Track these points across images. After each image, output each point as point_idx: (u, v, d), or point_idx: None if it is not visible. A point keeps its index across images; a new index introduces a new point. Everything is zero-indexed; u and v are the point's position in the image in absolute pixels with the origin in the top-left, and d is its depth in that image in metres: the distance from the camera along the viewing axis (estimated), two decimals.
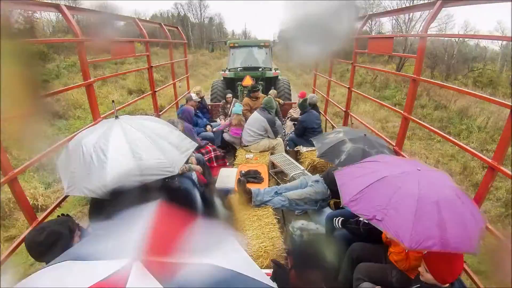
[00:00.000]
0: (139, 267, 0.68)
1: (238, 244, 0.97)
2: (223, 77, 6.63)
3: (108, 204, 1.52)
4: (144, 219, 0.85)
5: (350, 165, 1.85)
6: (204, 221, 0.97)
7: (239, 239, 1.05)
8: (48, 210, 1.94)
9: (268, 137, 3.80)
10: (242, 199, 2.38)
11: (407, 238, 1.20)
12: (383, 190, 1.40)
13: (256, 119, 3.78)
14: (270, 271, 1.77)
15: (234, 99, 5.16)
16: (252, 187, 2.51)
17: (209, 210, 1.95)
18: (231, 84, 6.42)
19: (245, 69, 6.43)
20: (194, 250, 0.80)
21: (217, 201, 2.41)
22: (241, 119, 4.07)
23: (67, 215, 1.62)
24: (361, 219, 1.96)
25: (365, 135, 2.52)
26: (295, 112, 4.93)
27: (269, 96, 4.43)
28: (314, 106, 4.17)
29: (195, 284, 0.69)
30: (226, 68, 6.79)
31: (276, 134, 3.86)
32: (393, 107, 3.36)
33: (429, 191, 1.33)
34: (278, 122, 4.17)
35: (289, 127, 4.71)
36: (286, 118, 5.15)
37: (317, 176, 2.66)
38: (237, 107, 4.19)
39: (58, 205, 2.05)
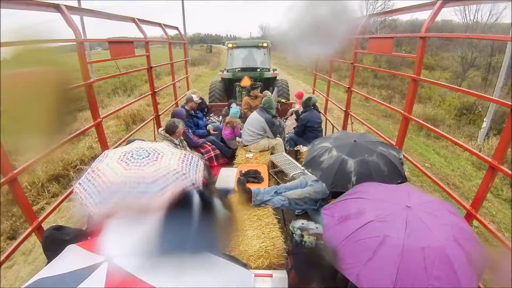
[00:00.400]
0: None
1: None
2: (221, 78, 6.63)
3: None
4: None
5: (337, 201, 1.69)
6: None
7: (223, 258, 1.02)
8: (49, 211, 1.94)
9: (268, 137, 3.80)
10: (242, 199, 2.38)
11: None
12: (367, 240, 1.24)
13: (255, 119, 3.78)
14: (271, 272, 1.77)
15: (231, 100, 5.15)
16: (252, 187, 2.51)
17: (208, 211, 1.94)
18: (229, 84, 6.42)
19: (243, 69, 6.43)
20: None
21: (217, 202, 2.40)
22: (234, 121, 3.96)
23: None
24: None
25: (354, 141, 2.26)
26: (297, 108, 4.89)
27: (269, 96, 4.42)
28: (314, 106, 4.17)
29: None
30: (224, 69, 6.79)
31: (275, 134, 3.85)
32: (393, 107, 3.36)
33: (418, 239, 1.17)
34: (278, 123, 4.15)
35: (288, 127, 4.71)
36: (288, 115, 5.12)
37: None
38: (233, 111, 4.06)
39: (58, 205, 2.05)
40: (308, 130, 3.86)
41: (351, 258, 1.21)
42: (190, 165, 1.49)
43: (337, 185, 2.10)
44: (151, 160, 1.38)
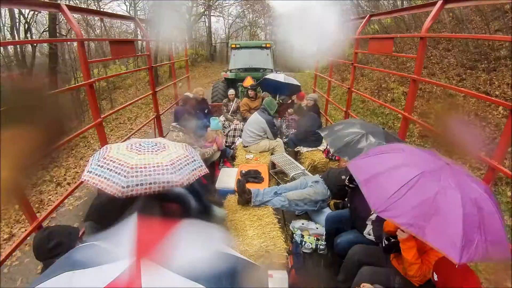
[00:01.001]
0: (145, 262, 0.71)
1: (229, 248, 0.97)
2: (224, 78, 6.67)
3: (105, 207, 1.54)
4: (130, 224, 0.88)
5: (363, 156, 1.52)
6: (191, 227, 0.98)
7: (230, 244, 1.07)
8: (49, 210, 1.94)
9: (268, 138, 3.80)
10: (242, 200, 2.38)
11: (457, 252, 1.01)
12: (421, 191, 1.15)
13: (255, 120, 3.78)
14: (271, 272, 1.77)
15: (236, 98, 5.15)
16: (253, 187, 2.51)
17: (204, 213, 1.95)
18: (232, 85, 6.45)
19: (246, 70, 6.46)
20: (191, 242, 0.83)
21: (215, 204, 2.43)
22: (214, 136, 3.72)
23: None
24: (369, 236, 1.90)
25: (383, 129, 2.15)
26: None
27: (269, 97, 4.40)
28: (314, 106, 4.17)
29: (204, 270, 0.72)
30: (227, 69, 6.83)
31: (275, 135, 3.84)
32: (393, 107, 3.36)
33: (468, 191, 1.15)
34: (279, 124, 4.12)
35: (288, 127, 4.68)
36: (288, 116, 5.08)
37: (317, 177, 2.65)
38: (213, 123, 3.85)
39: (58, 205, 2.05)
40: (309, 134, 3.87)
41: (412, 212, 1.11)
42: (187, 164, 1.60)
43: (347, 152, 1.95)
44: (160, 148, 1.61)
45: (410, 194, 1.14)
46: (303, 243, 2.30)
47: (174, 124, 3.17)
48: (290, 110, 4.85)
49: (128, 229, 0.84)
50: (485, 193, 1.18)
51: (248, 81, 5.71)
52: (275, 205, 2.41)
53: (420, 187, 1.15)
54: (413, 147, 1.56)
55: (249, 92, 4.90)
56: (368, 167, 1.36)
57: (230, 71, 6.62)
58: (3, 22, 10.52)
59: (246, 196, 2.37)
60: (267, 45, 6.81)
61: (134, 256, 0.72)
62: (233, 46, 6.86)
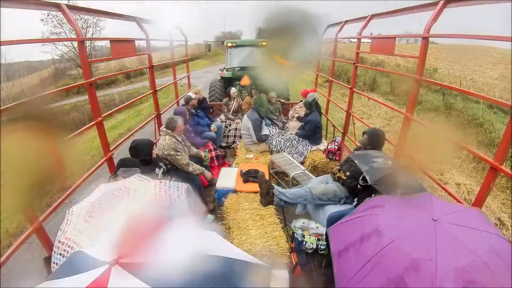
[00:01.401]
0: (118, 270, 0.73)
1: (219, 236, 0.98)
2: (221, 77, 6.63)
3: None
4: (117, 224, 0.89)
5: (345, 219, 1.39)
6: (181, 221, 0.97)
7: (219, 232, 1.06)
8: (49, 211, 1.93)
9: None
10: (265, 201, 2.42)
11: None
12: (388, 267, 0.98)
13: (245, 120, 3.76)
14: (274, 271, 1.77)
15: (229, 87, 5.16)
16: (252, 186, 2.52)
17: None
18: (229, 84, 6.42)
19: (243, 69, 6.43)
20: (171, 247, 0.83)
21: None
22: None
23: None
24: None
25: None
26: (301, 110, 4.82)
27: (259, 94, 4.33)
28: (316, 106, 4.18)
29: (176, 278, 0.72)
30: (224, 68, 6.79)
31: (259, 139, 3.72)
32: (394, 107, 3.35)
33: (450, 258, 0.95)
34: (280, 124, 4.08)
35: (292, 128, 4.65)
36: (291, 117, 5.05)
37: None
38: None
39: (58, 205, 2.04)
40: (316, 131, 3.87)
41: None
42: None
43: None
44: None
45: (374, 274, 0.97)
46: (304, 243, 2.30)
47: (164, 128, 3.06)
48: (297, 111, 4.78)
49: (113, 230, 0.86)
50: (486, 253, 0.94)
51: (245, 80, 5.69)
52: (297, 198, 2.43)
53: (387, 262, 0.97)
54: (397, 199, 1.37)
55: (255, 91, 4.79)
56: (344, 235, 1.23)
57: (227, 70, 6.58)
58: None
59: (269, 199, 2.40)
60: (264, 44, 6.76)
61: (109, 263, 0.75)
62: (230, 45, 6.78)
